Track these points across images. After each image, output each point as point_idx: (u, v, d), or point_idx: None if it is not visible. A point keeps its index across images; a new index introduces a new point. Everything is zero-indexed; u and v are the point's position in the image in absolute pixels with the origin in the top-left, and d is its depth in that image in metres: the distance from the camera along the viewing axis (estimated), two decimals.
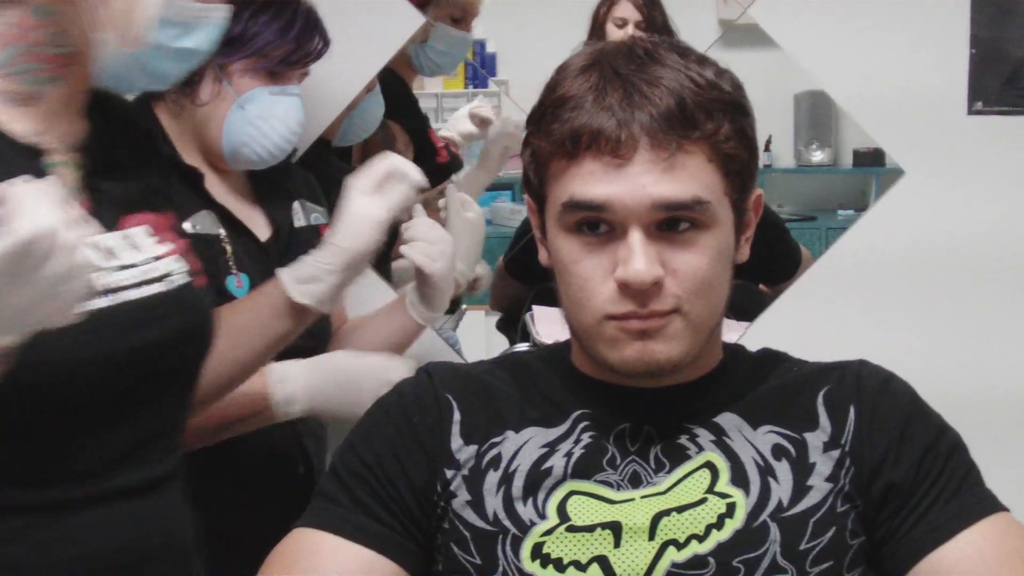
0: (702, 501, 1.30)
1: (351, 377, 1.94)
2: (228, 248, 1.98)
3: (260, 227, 2.07)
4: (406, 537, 1.35)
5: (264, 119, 1.97)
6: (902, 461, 1.31)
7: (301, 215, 2.14)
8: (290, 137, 2.01)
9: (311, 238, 2.09)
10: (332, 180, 2.30)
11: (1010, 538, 1.28)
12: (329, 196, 2.23)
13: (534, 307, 2.61)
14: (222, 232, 1.99)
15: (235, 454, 1.95)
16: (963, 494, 1.30)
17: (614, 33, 2.80)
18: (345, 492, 1.36)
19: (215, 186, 2.02)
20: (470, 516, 1.33)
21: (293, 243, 2.08)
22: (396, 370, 1.89)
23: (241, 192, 2.09)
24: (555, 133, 1.28)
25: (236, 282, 1.98)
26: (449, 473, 1.36)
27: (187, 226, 1.89)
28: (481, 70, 2.99)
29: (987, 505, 1.30)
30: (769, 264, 2.54)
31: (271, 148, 1.99)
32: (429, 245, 2.04)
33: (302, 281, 1.75)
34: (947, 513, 1.29)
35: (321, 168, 2.27)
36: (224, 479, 1.93)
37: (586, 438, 1.35)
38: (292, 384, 1.90)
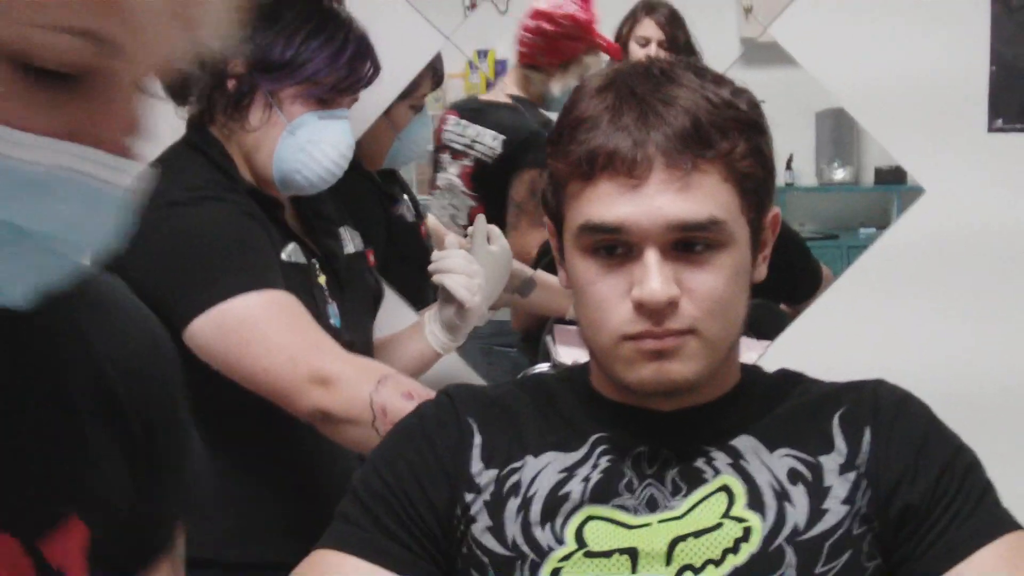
0: (718, 526, 1.29)
1: None
2: (322, 277, 1.97)
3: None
4: (426, 559, 1.35)
5: (314, 144, 1.93)
6: (919, 482, 1.30)
7: (349, 241, 2.13)
8: (340, 162, 1.98)
9: (362, 265, 2.11)
10: (357, 197, 2.32)
11: None
12: (354, 216, 2.25)
13: (555, 327, 2.61)
14: (314, 261, 1.98)
15: (297, 464, 1.96)
16: (979, 513, 1.29)
17: (637, 52, 2.80)
18: (366, 514, 1.36)
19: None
20: (489, 542, 1.33)
21: (348, 271, 2.07)
22: None
23: (294, 219, 2.07)
24: (572, 154, 1.28)
25: (335, 310, 1.98)
26: (469, 497, 1.36)
27: (283, 256, 1.89)
28: None
29: (1003, 524, 1.29)
30: (790, 283, 2.55)
31: (322, 173, 1.96)
32: (469, 279, 2.05)
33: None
34: (963, 533, 1.28)
35: (350, 190, 2.28)
36: (285, 489, 1.94)
37: (604, 462, 1.35)
38: None
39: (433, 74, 2.52)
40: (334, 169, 1.98)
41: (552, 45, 2.66)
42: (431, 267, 2.08)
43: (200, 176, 1.89)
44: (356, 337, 1.99)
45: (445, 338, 2.09)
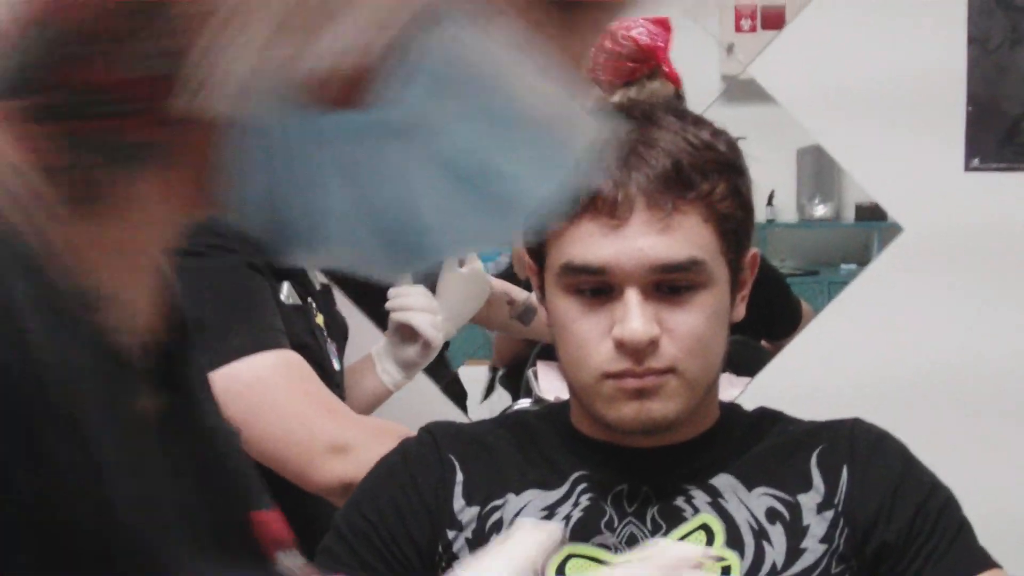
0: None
1: None
2: (319, 317, 1.87)
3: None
4: None
5: None
6: (894, 520, 1.31)
7: (313, 277, 1.97)
8: None
9: (330, 299, 1.99)
10: None
11: None
12: None
13: (538, 362, 2.62)
14: (310, 300, 1.87)
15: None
16: (955, 551, 1.30)
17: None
18: (349, 551, 1.36)
19: None
20: None
21: (324, 306, 1.94)
22: None
23: None
24: None
25: (335, 349, 1.88)
26: (451, 534, 1.36)
27: (282, 298, 1.78)
28: None
29: (979, 562, 1.31)
30: (770, 320, 2.56)
31: None
32: (433, 316, 1.99)
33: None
34: (939, 571, 1.29)
35: None
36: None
37: (584, 500, 1.36)
38: None
39: None
40: None
41: (612, 63, 2.67)
42: (390, 304, 2.00)
43: None
44: (344, 379, 1.93)
45: (399, 376, 2.00)
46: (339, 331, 1.99)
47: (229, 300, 1.67)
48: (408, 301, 2.00)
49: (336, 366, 1.87)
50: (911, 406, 2.16)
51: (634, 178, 1.26)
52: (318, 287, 1.96)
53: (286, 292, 1.80)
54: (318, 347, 1.81)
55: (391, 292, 2.02)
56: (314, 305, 1.87)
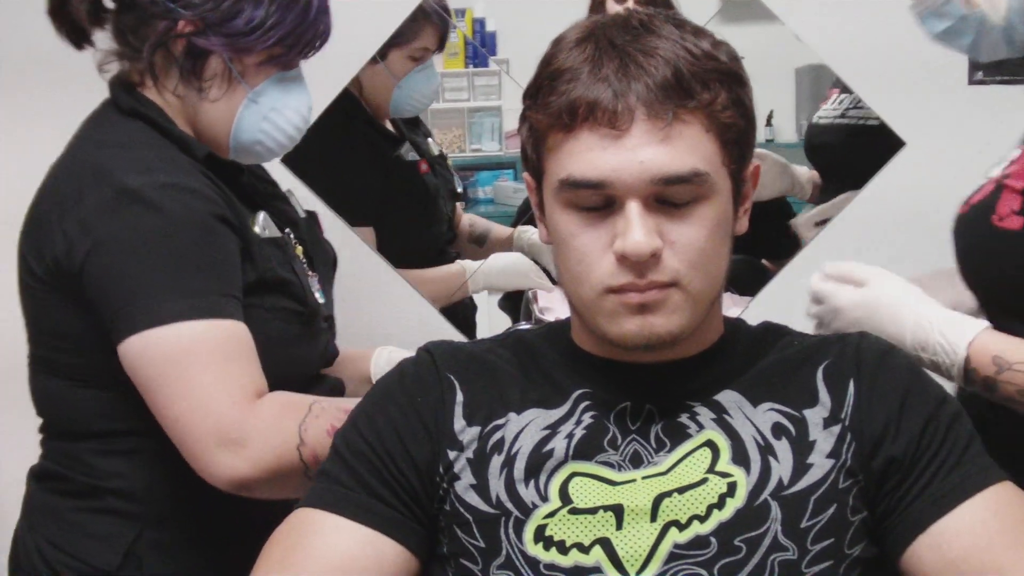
0: (703, 481, 1.29)
1: None
2: (299, 248, 1.82)
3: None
4: (409, 517, 1.34)
5: (278, 112, 1.75)
6: (902, 434, 1.30)
7: (297, 205, 1.94)
8: (302, 126, 1.80)
9: (316, 228, 1.94)
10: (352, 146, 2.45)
11: (1012, 508, 1.28)
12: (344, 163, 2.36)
13: None
14: (288, 231, 1.82)
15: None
16: (964, 465, 1.29)
17: (614, 8, 2.79)
18: (348, 472, 1.36)
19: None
20: (473, 499, 1.33)
21: (309, 237, 1.89)
22: None
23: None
24: (552, 106, 1.27)
25: (317, 281, 1.83)
26: (452, 454, 1.35)
27: (257, 230, 1.73)
28: (481, 49, 2.98)
29: (988, 475, 1.29)
30: (771, 239, 2.55)
31: (284, 141, 1.78)
32: None
33: None
34: (948, 484, 1.28)
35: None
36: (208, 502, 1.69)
37: (587, 418, 1.34)
38: None
39: (436, 31, 2.64)
40: (296, 135, 1.80)
41: None
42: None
43: (149, 150, 1.65)
44: (331, 309, 1.88)
45: None
46: (324, 260, 1.92)
47: (179, 260, 1.58)
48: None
49: (320, 298, 1.82)
50: None
51: (633, 88, 1.24)
52: (302, 214, 1.91)
53: (261, 223, 1.75)
54: (298, 280, 1.75)
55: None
56: (293, 236, 1.82)
